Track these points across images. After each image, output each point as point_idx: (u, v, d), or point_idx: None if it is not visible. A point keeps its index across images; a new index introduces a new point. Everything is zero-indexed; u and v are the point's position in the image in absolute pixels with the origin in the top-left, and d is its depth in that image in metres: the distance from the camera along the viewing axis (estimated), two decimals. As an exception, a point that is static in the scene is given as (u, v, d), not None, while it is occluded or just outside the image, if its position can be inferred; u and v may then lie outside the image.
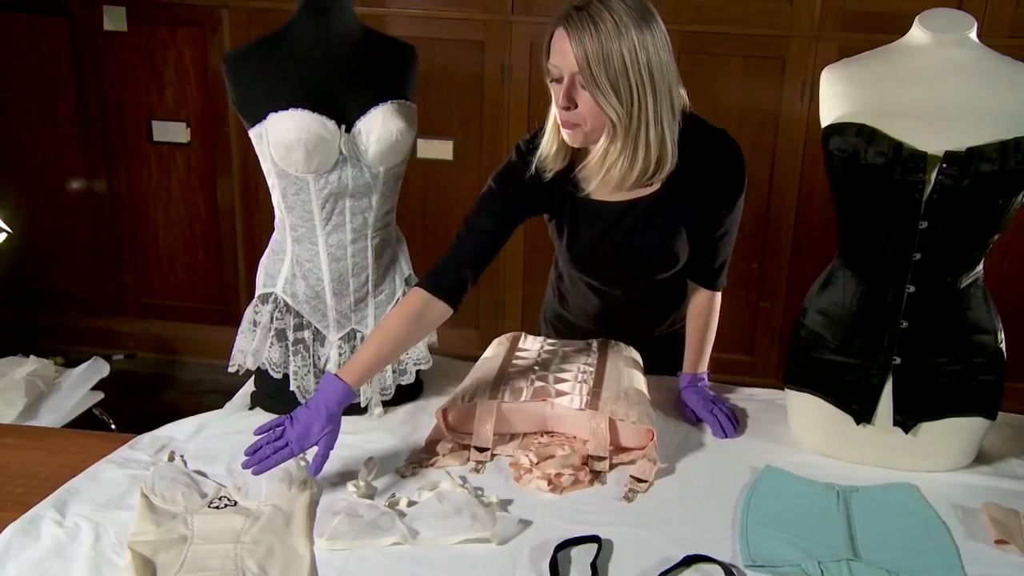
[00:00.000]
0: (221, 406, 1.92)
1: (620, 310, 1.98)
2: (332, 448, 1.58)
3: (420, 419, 1.85)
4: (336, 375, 1.61)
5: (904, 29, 1.66)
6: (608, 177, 1.66)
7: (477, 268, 1.75)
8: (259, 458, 1.54)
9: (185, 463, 1.65)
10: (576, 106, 1.59)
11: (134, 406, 3.47)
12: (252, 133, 1.72)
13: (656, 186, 1.73)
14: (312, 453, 1.57)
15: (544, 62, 1.61)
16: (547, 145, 1.70)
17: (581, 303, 2.02)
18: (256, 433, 1.58)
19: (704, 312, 1.93)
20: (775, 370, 3.71)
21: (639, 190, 1.73)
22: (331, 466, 1.64)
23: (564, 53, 1.55)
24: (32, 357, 3.17)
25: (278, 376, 1.82)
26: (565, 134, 1.65)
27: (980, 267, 1.65)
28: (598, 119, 1.59)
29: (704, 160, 1.72)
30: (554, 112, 1.66)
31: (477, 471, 1.65)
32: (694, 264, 1.85)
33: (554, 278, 2.12)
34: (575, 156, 1.72)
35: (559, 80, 1.59)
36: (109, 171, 3.95)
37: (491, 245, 1.77)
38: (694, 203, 1.75)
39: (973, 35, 1.61)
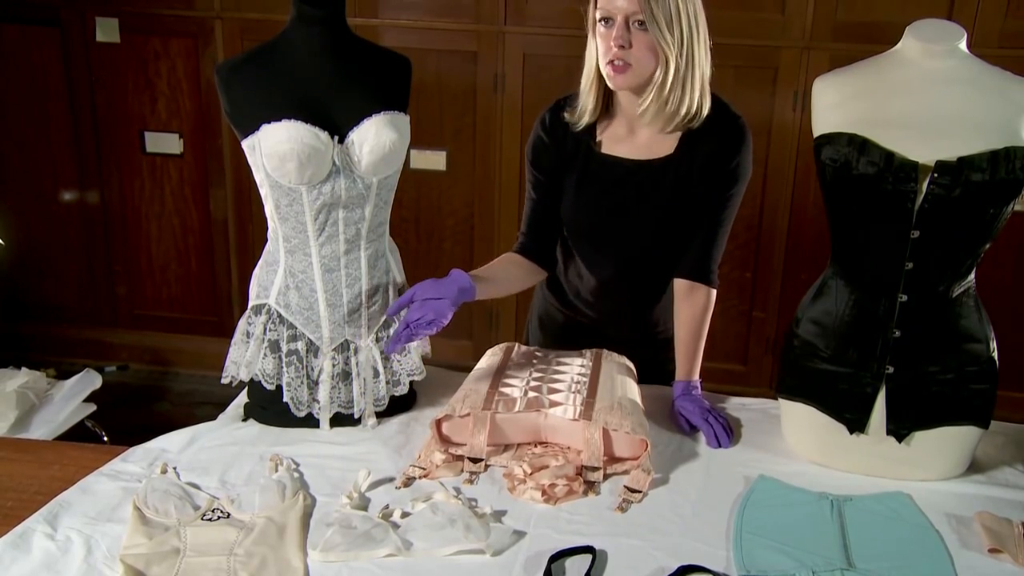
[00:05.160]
0: (214, 418, 1.91)
1: (611, 288, 2.01)
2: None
3: (414, 430, 1.85)
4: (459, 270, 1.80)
5: (895, 39, 1.67)
6: (659, 115, 1.79)
7: (546, 234, 1.99)
8: (406, 336, 1.73)
9: (178, 475, 1.64)
10: (630, 46, 1.70)
11: (126, 418, 3.46)
12: (245, 144, 1.72)
13: (671, 150, 1.84)
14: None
15: (591, 9, 1.75)
16: (586, 98, 1.84)
17: (575, 285, 2.07)
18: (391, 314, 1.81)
19: (699, 313, 1.93)
20: (768, 379, 3.71)
21: (654, 151, 1.85)
22: (324, 477, 1.65)
23: None
24: (24, 369, 3.15)
25: (271, 387, 1.81)
26: (613, 78, 1.75)
27: (972, 276, 1.65)
28: (650, 59, 1.72)
29: (718, 136, 1.83)
30: (592, 64, 1.80)
31: (471, 482, 1.65)
32: (690, 254, 1.91)
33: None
34: (603, 109, 1.87)
35: (608, 21, 1.72)
36: (101, 182, 3.95)
37: (546, 212, 1.97)
38: (701, 174, 1.84)
39: (963, 45, 1.61)
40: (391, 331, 1.86)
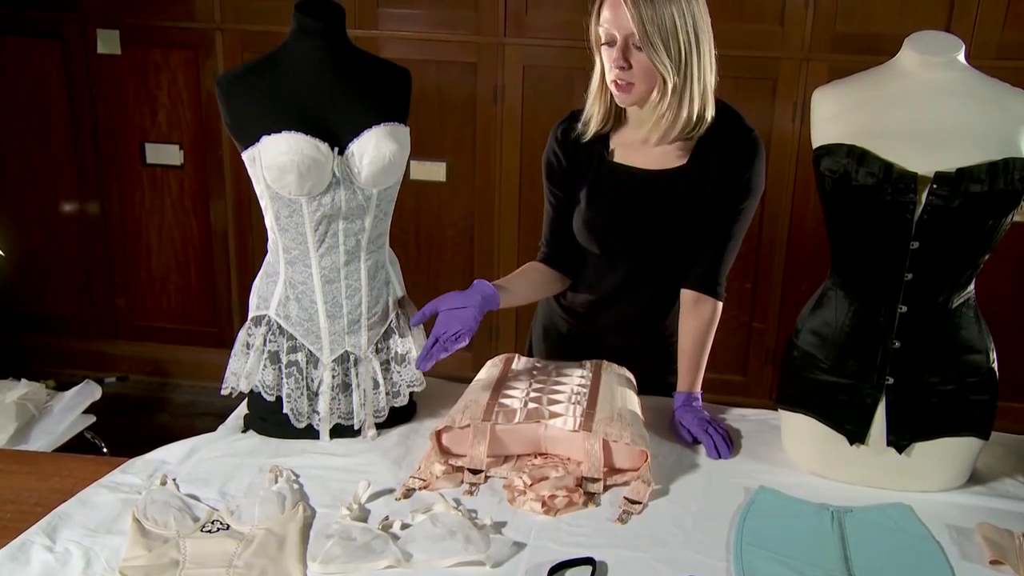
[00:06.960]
0: (214, 429, 1.91)
1: (620, 297, 2.01)
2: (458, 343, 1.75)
3: (414, 441, 1.84)
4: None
5: (893, 51, 1.67)
6: (656, 127, 1.81)
7: (567, 242, 2.00)
8: (437, 351, 1.74)
9: (177, 487, 1.64)
10: (631, 66, 1.73)
11: (126, 429, 3.45)
12: (245, 155, 1.73)
13: (683, 161, 1.85)
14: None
15: (593, 27, 1.77)
16: (591, 108, 1.87)
17: (582, 294, 2.06)
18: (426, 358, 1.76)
19: (704, 324, 1.94)
20: (768, 390, 3.71)
21: (667, 161, 1.86)
22: (324, 489, 1.65)
23: (619, 16, 1.71)
24: (23, 380, 3.15)
25: (271, 399, 1.81)
26: (617, 95, 1.79)
27: (971, 287, 1.65)
28: (650, 77, 1.74)
29: (731, 149, 1.84)
30: (598, 76, 1.82)
31: (471, 493, 1.65)
32: (698, 265, 1.91)
33: None
34: (616, 119, 1.89)
35: (611, 43, 1.74)
36: (102, 194, 3.96)
37: (564, 223, 1.99)
38: (713, 186, 1.85)
39: (961, 57, 1.62)
40: (391, 342, 1.86)
